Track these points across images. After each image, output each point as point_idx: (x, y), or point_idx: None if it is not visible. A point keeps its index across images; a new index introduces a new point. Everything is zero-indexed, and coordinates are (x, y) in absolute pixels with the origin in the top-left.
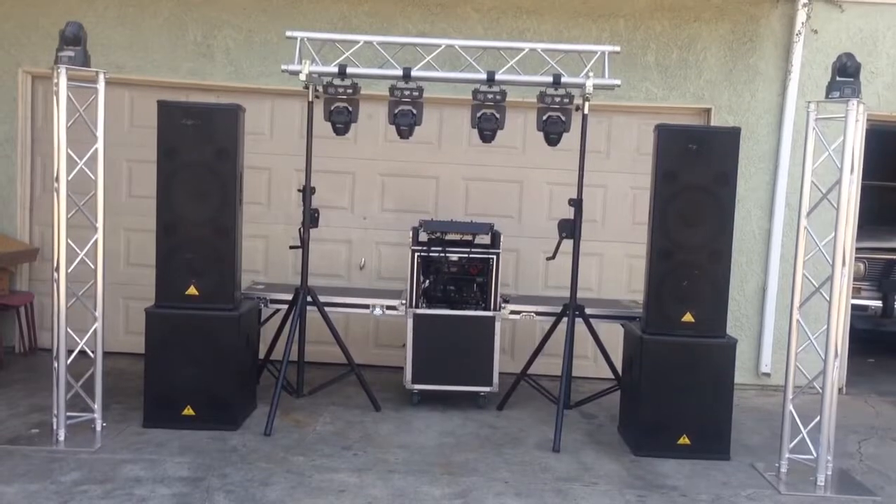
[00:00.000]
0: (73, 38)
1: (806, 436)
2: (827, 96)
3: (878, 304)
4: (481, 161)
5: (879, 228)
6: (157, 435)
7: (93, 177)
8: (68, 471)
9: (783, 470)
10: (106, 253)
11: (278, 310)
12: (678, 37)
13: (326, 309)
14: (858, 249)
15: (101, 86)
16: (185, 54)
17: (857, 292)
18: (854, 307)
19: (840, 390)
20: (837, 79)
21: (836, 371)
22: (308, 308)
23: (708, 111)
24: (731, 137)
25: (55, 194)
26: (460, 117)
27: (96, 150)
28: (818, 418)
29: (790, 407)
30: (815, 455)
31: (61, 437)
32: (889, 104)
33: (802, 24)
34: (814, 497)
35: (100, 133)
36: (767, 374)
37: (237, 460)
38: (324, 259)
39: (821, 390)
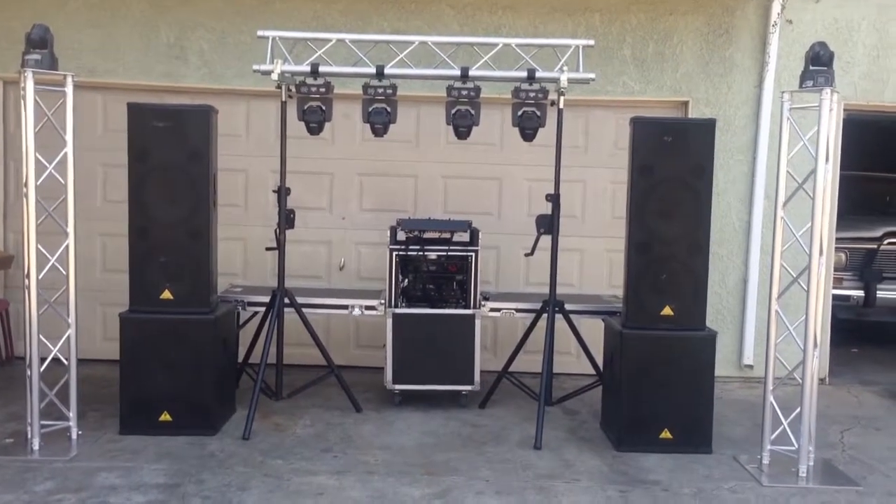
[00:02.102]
0: (40, 41)
1: (787, 427)
2: (801, 86)
3: (861, 293)
4: (460, 158)
5: (860, 218)
6: (134, 442)
7: (63, 181)
8: (42, 480)
9: (765, 462)
10: (82, 259)
11: (256, 312)
12: (654, 30)
13: (305, 310)
14: (839, 239)
15: (69, 89)
16: (158, 56)
17: (838, 282)
18: (836, 297)
19: (822, 380)
20: (811, 68)
21: (817, 361)
22: (287, 310)
23: (685, 104)
24: (706, 129)
25: (24, 199)
26: (437, 115)
27: (66, 154)
28: (799, 409)
29: (771, 398)
30: (796, 446)
31: (36, 447)
32: (866, 93)
33: (778, 14)
34: (796, 488)
35: (69, 137)
36: (750, 367)
37: (215, 465)
38: (303, 260)
39: (801, 381)
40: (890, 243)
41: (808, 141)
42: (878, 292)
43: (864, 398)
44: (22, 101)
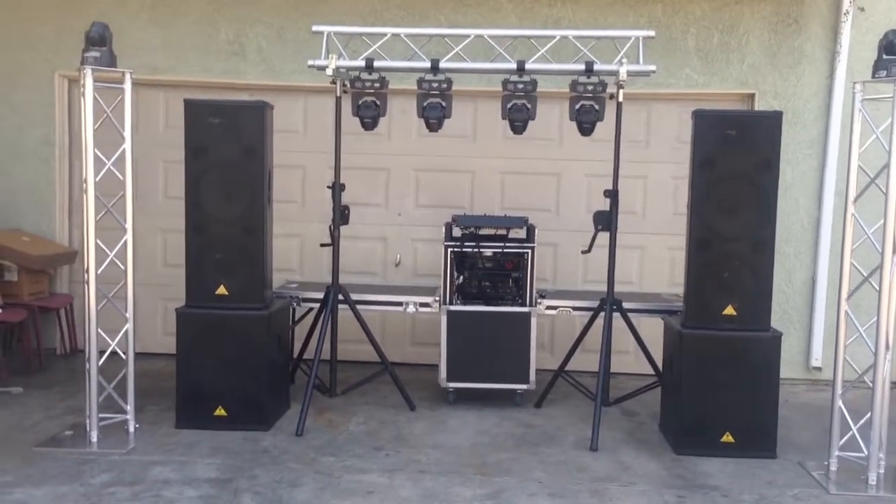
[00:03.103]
0: (99, 39)
1: (856, 432)
2: (873, 75)
3: None
4: (517, 154)
5: None
6: (189, 436)
7: (121, 178)
8: (98, 472)
9: (833, 468)
10: (143, 254)
11: (311, 308)
12: (719, 20)
13: (359, 307)
14: None
15: (127, 86)
16: (218, 53)
17: None
18: None
19: (893, 384)
20: (884, 57)
21: (888, 364)
22: (342, 306)
23: (752, 96)
24: (772, 122)
25: (84, 195)
26: (494, 110)
27: (124, 150)
28: (869, 414)
29: (839, 402)
30: (866, 452)
31: (94, 439)
32: None
33: (850, 2)
34: (865, 497)
35: (127, 133)
36: (818, 369)
37: (267, 461)
38: (359, 256)
39: (872, 384)
40: None
41: (881, 134)
42: None
43: None
44: (81, 98)
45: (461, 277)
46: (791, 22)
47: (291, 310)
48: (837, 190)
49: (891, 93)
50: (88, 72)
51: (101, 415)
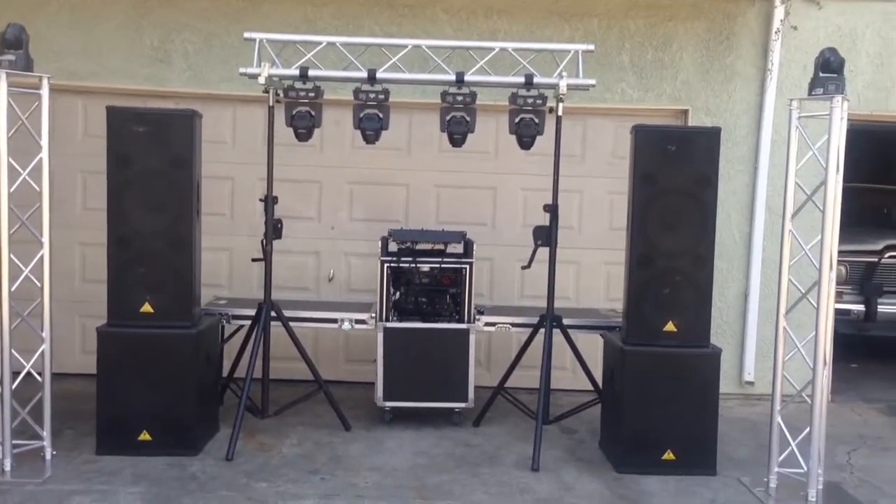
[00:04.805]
0: (15, 41)
1: (795, 448)
2: (810, 93)
3: (861, 308)
4: (453, 167)
5: (861, 231)
6: (111, 462)
7: (37, 188)
8: None
9: (772, 485)
10: (60, 269)
11: (241, 326)
12: (653, 36)
13: (293, 324)
14: (840, 253)
15: (45, 91)
16: (142, 59)
17: (839, 296)
18: (837, 311)
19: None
20: (821, 75)
21: (826, 380)
22: (273, 323)
23: (685, 112)
24: (711, 138)
25: None
26: (430, 122)
27: (41, 159)
28: (807, 430)
29: (779, 419)
30: (805, 468)
31: (7, 468)
32: (869, 103)
33: (781, 21)
34: None
35: (44, 142)
36: (751, 383)
37: (195, 489)
38: (291, 271)
39: (809, 399)
40: (891, 256)
41: (817, 150)
42: (878, 306)
43: (869, 416)
44: None
45: (398, 293)
46: (723, 39)
47: (221, 327)
48: (768, 205)
49: (824, 110)
50: (2, 75)
51: (14, 441)
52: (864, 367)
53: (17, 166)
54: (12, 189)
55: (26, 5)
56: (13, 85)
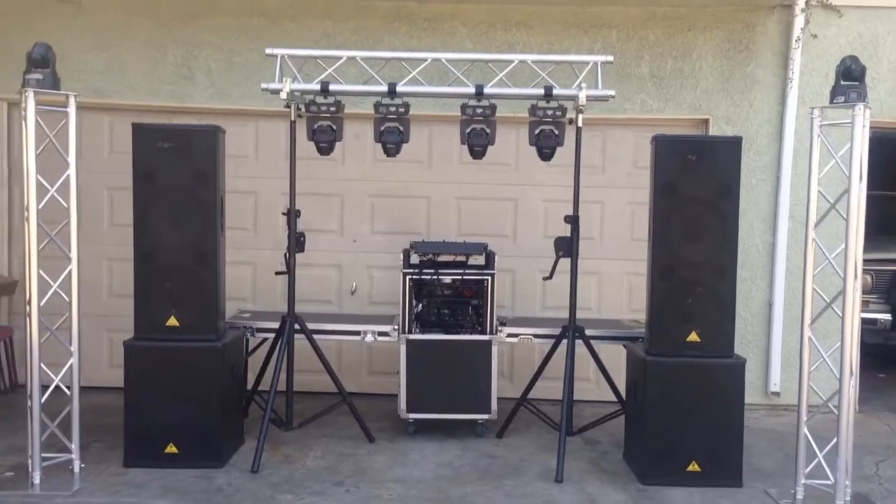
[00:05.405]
0: (41, 60)
1: (822, 459)
2: (832, 101)
3: (888, 317)
4: (473, 179)
5: (884, 239)
6: (138, 475)
7: (65, 205)
8: None
9: (799, 497)
10: (88, 284)
11: (265, 339)
12: (672, 46)
13: (316, 336)
14: (865, 261)
15: (72, 109)
16: (165, 77)
17: (865, 305)
18: (863, 321)
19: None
20: (842, 83)
21: (853, 390)
22: (297, 336)
23: (706, 122)
24: (732, 147)
25: (25, 224)
26: (450, 135)
27: (68, 176)
28: (834, 440)
29: (805, 429)
30: (832, 480)
31: (36, 480)
32: (892, 110)
33: (801, 29)
34: None
35: (72, 159)
36: (777, 394)
37: (222, 501)
38: (314, 285)
39: (835, 410)
40: None
41: (840, 159)
42: None
43: None
44: (23, 122)
45: (420, 305)
46: (743, 48)
47: (245, 340)
48: (791, 214)
49: (846, 118)
50: (30, 94)
51: (44, 454)
52: (892, 377)
53: (45, 183)
54: (41, 205)
55: (51, 25)
56: (41, 103)
